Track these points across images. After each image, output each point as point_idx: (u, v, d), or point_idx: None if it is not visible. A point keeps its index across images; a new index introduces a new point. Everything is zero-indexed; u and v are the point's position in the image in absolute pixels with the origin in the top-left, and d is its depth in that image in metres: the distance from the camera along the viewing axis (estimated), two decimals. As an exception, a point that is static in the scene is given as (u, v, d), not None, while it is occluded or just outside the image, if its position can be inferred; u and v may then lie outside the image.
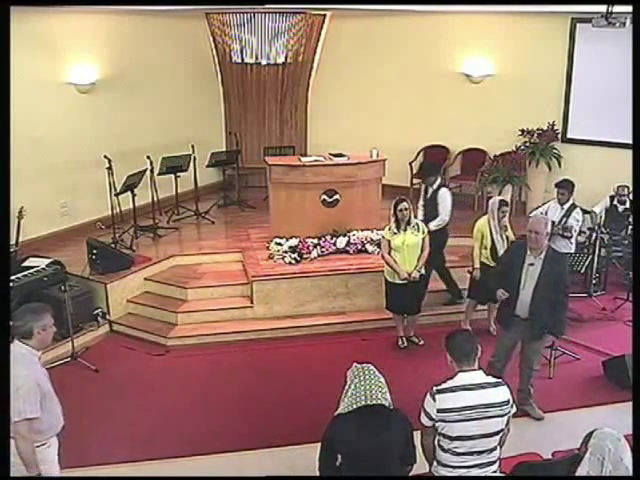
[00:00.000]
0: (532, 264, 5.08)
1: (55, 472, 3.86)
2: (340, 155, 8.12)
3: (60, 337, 6.37)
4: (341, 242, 7.83)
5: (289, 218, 7.91)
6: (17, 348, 3.64)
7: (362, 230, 7.96)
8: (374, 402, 3.32)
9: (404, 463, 3.48)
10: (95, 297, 7.17)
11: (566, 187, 6.98)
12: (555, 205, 7.07)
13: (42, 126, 7.94)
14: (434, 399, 3.47)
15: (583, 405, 5.67)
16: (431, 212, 6.95)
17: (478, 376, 3.54)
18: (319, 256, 7.70)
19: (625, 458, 2.98)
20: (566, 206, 6.96)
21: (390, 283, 6.60)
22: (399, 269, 6.41)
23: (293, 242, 7.75)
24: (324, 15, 10.08)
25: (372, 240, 7.81)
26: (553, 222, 6.97)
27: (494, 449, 3.56)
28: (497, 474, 3.62)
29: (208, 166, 9.62)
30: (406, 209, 6.34)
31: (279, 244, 7.77)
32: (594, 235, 7.69)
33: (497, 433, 3.52)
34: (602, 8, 6.35)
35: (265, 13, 9.77)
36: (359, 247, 7.81)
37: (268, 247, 7.89)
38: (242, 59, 10.30)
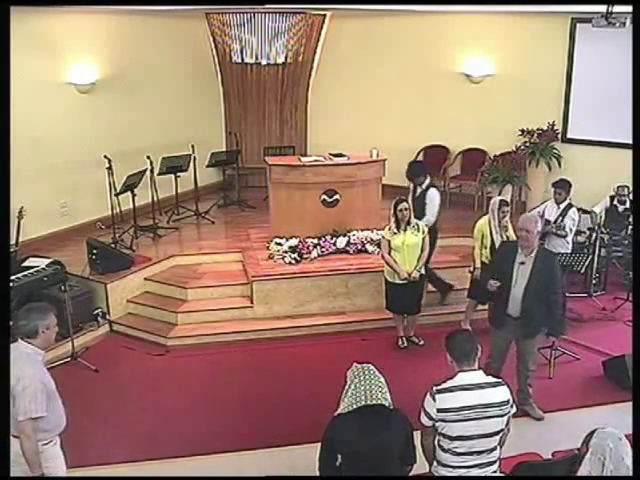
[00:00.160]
0: (523, 263, 5.09)
1: (62, 469, 3.89)
2: (340, 155, 8.12)
3: (60, 337, 6.34)
4: (341, 242, 7.83)
5: (289, 218, 7.91)
6: (22, 348, 3.64)
7: (362, 230, 7.96)
8: (374, 402, 3.32)
9: (404, 463, 3.47)
10: (95, 297, 7.17)
11: (563, 187, 7.02)
12: (552, 204, 7.12)
13: (42, 126, 7.94)
14: (434, 399, 3.47)
15: (583, 405, 5.67)
16: (419, 212, 6.80)
17: (478, 376, 3.54)
18: (319, 256, 7.70)
19: (626, 458, 2.98)
20: (562, 205, 6.99)
21: (390, 283, 6.61)
22: (399, 269, 6.41)
23: (293, 242, 7.75)
24: (324, 15, 10.08)
25: (372, 240, 7.81)
26: (549, 221, 7.01)
27: (494, 449, 3.56)
28: (497, 474, 3.62)
29: (208, 166, 9.62)
30: (406, 209, 6.35)
31: (279, 244, 7.77)
32: (594, 235, 7.69)
33: (497, 433, 3.52)
34: (602, 8, 6.35)
35: (265, 13, 9.77)
36: (359, 247, 7.81)
37: (268, 247, 7.89)
38: (242, 59, 10.30)
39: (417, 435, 3.55)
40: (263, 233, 8.34)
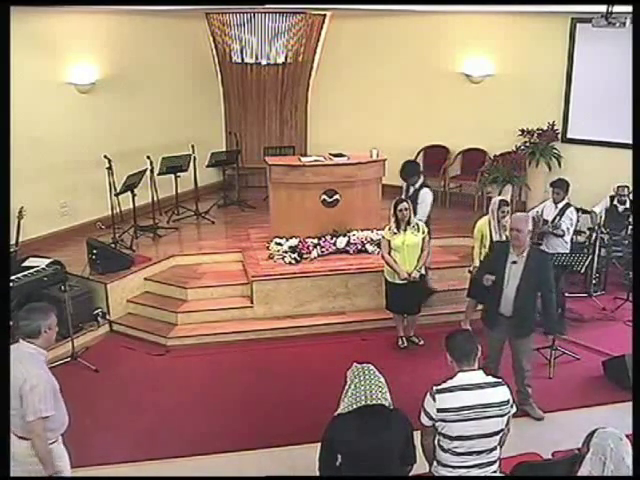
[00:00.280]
0: (515, 262, 5.12)
1: (68, 468, 3.90)
2: (340, 155, 8.12)
3: (60, 337, 6.33)
4: (341, 242, 7.83)
5: (289, 218, 7.91)
6: (24, 348, 3.62)
7: (362, 230, 7.96)
8: (374, 402, 3.32)
9: (404, 463, 3.47)
10: (95, 297, 7.17)
11: (561, 186, 7.03)
12: (550, 204, 7.13)
13: (42, 126, 7.94)
14: (434, 399, 3.47)
15: (583, 405, 5.67)
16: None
17: (477, 376, 3.54)
18: (319, 256, 7.70)
19: (627, 458, 2.98)
20: (560, 205, 7.00)
21: (390, 283, 6.61)
22: (399, 269, 6.41)
23: (293, 242, 7.75)
24: (324, 15, 10.08)
25: (372, 240, 7.81)
26: (546, 221, 7.01)
27: (494, 449, 3.56)
28: (497, 474, 3.62)
29: (208, 166, 9.62)
30: (406, 209, 6.36)
31: (279, 244, 7.77)
32: (594, 235, 7.69)
33: (496, 433, 3.52)
34: (602, 8, 6.34)
35: (265, 13, 9.77)
36: (359, 247, 7.81)
37: (268, 247, 7.89)
38: (242, 59, 10.30)
39: (417, 435, 3.55)
40: (263, 233, 8.34)
